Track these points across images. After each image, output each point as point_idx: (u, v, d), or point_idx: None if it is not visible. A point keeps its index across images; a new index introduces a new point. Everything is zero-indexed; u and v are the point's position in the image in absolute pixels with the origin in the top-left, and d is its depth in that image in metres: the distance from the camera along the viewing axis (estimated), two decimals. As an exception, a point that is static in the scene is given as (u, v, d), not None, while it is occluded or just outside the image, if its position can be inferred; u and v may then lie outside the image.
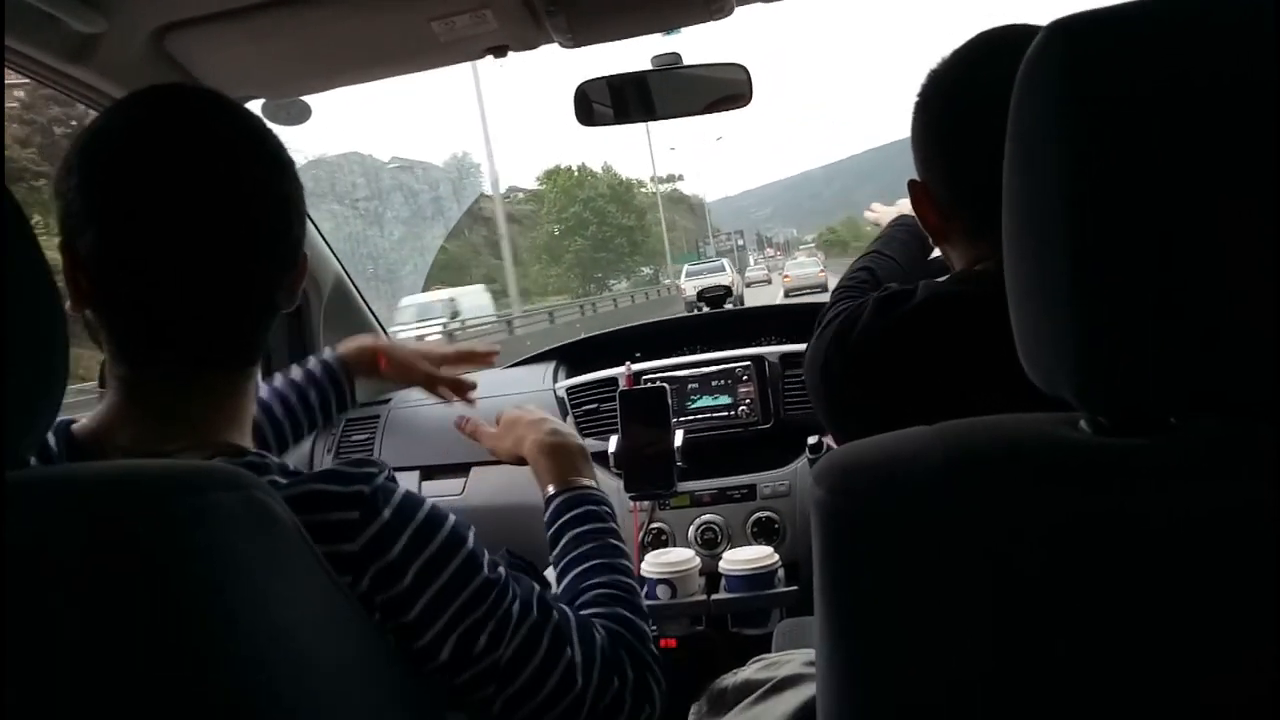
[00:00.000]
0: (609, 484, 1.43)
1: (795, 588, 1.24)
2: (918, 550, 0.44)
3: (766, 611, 1.25)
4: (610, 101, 1.34)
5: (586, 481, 0.86)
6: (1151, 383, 0.41)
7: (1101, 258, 0.40)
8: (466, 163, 55.35)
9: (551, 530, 0.81)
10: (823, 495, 0.46)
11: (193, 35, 1.00)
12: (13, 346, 0.42)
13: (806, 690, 0.84)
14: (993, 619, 0.43)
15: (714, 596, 1.24)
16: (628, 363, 1.51)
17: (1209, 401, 0.42)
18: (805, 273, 29.76)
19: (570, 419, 1.55)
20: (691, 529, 1.41)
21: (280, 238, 0.64)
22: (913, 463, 0.45)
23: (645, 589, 1.26)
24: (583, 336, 1.82)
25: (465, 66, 1.20)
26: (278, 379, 1.02)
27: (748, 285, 32.53)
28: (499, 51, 1.13)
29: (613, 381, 1.54)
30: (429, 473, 1.55)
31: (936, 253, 1.11)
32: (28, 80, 0.97)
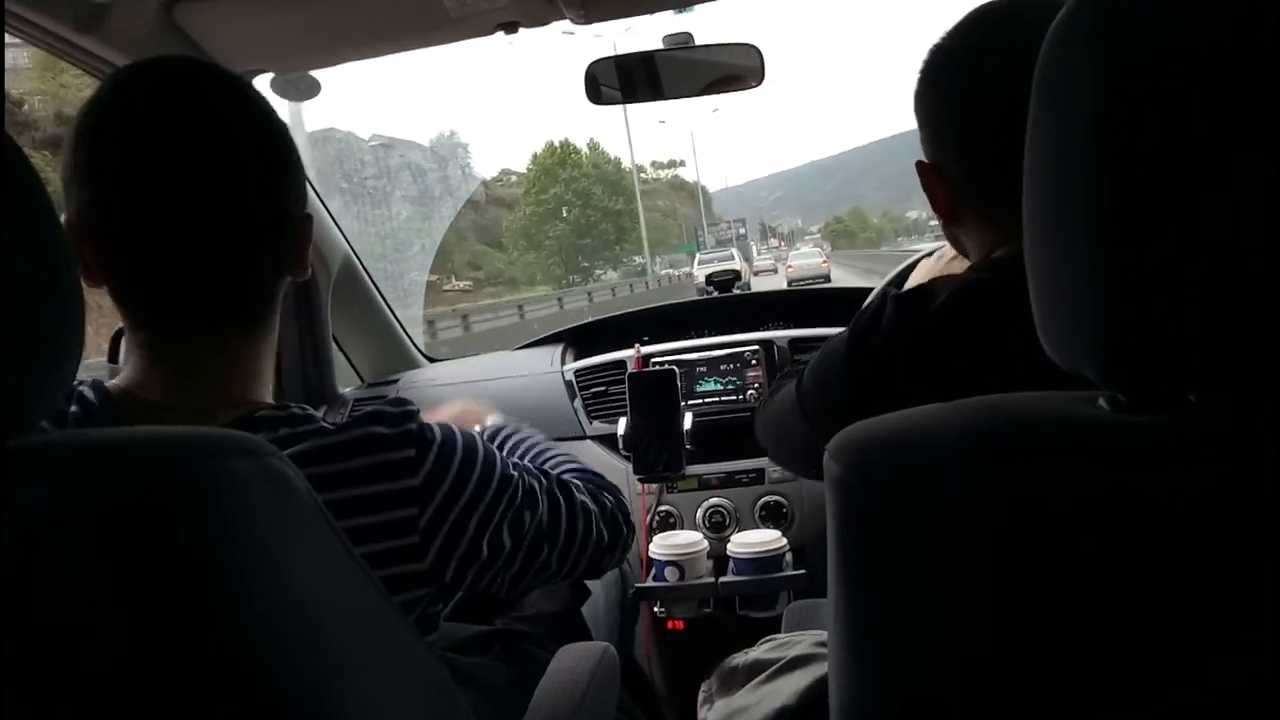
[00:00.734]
0: (617, 466, 1.44)
1: (803, 571, 1.24)
2: (933, 525, 0.43)
3: (774, 595, 1.25)
4: (618, 82, 1.33)
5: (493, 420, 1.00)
6: (1172, 359, 0.41)
7: (1124, 232, 0.40)
8: (455, 142, 53.34)
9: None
10: (838, 470, 0.46)
11: (201, 8, 1.00)
12: (27, 311, 0.42)
13: (817, 669, 0.84)
14: (1008, 595, 0.42)
15: (722, 579, 1.24)
16: (637, 345, 1.51)
17: (1230, 379, 0.41)
18: (808, 263, 29.79)
19: (579, 401, 1.55)
20: (699, 512, 1.41)
21: (277, 201, 0.65)
22: (928, 438, 0.45)
23: (653, 571, 1.26)
24: (591, 320, 1.82)
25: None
26: None
27: (755, 274, 32.58)
28: (510, 28, 1.12)
29: (621, 364, 1.54)
30: None
31: None
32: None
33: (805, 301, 1.76)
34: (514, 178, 66.39)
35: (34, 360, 0.43)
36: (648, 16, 1.18)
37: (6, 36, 0.99)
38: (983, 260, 0.71)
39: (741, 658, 0.96)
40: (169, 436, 0.47)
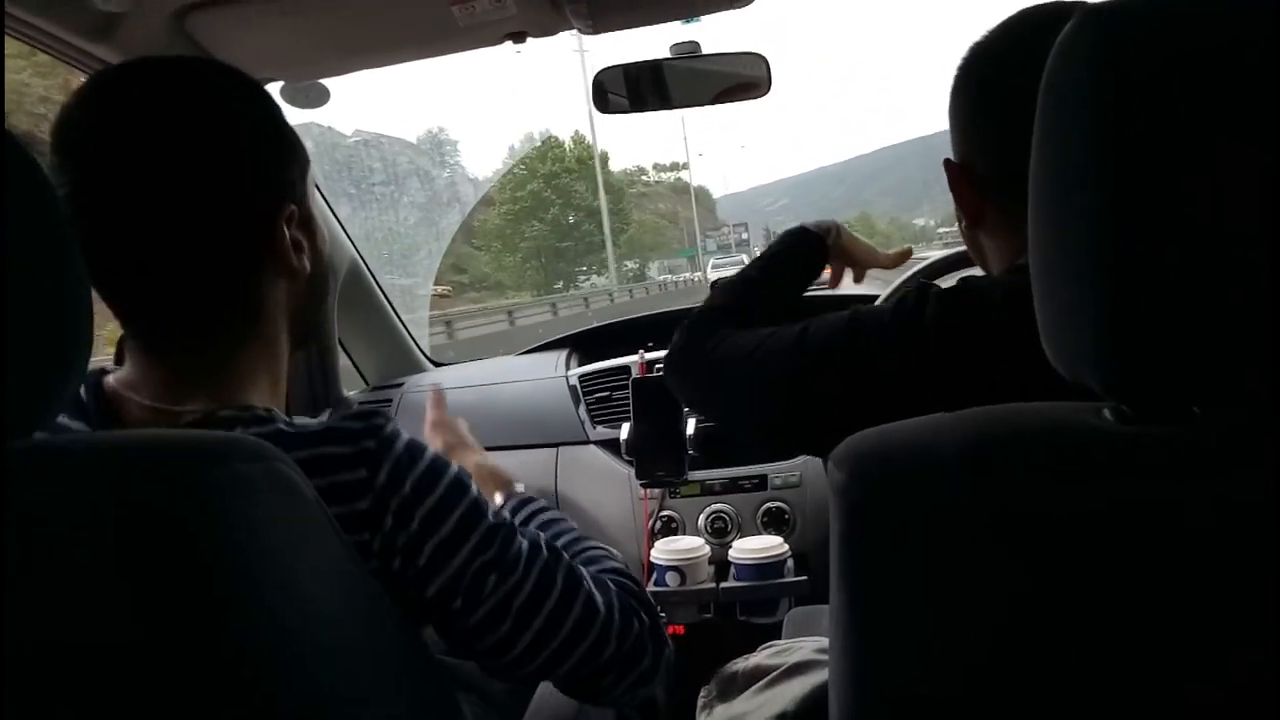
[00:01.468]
0: (620, 471, 1.44)
1: (804, 578, 1.24)
2: (936, 535, 0.44)
3: (775, 601, 1.25)
4: (626, 90, 1.34)
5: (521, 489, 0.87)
6: (1176, 370, 0.41)
7: (1127, 243, 0.40)
8: (443, 139, 49.20)
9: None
10: (842, 479, 0.46)
11: (214, 16, 1.00)
12: (30, 313, 0.42)
13: (818, 676, 0.85)
14: (1009, 606, 0.43)
15: (723, 585, 1.24)
16: (641, 351, 1.51)
17: (1234, 391, 0.41)
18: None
19: (583, 406, 1.56)
20: (701, 517, 1.42)
21: (246, 197, 0.62)
22: (933, 448, 0.45)
23: (654, 575, 1.27)
24: (595, 325, 1.82)
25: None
26: None
27: None
28: (518, 37, 1.13)
29: (625, 370, 1.54)
30: None
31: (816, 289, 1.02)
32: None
33: (809, 308, 1.76)
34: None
35: (37, 362, 0.43)
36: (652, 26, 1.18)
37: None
38: (1011, 268, 0.70)
39: (742, 663, 0.96)
40: (174, 440, 0.47)
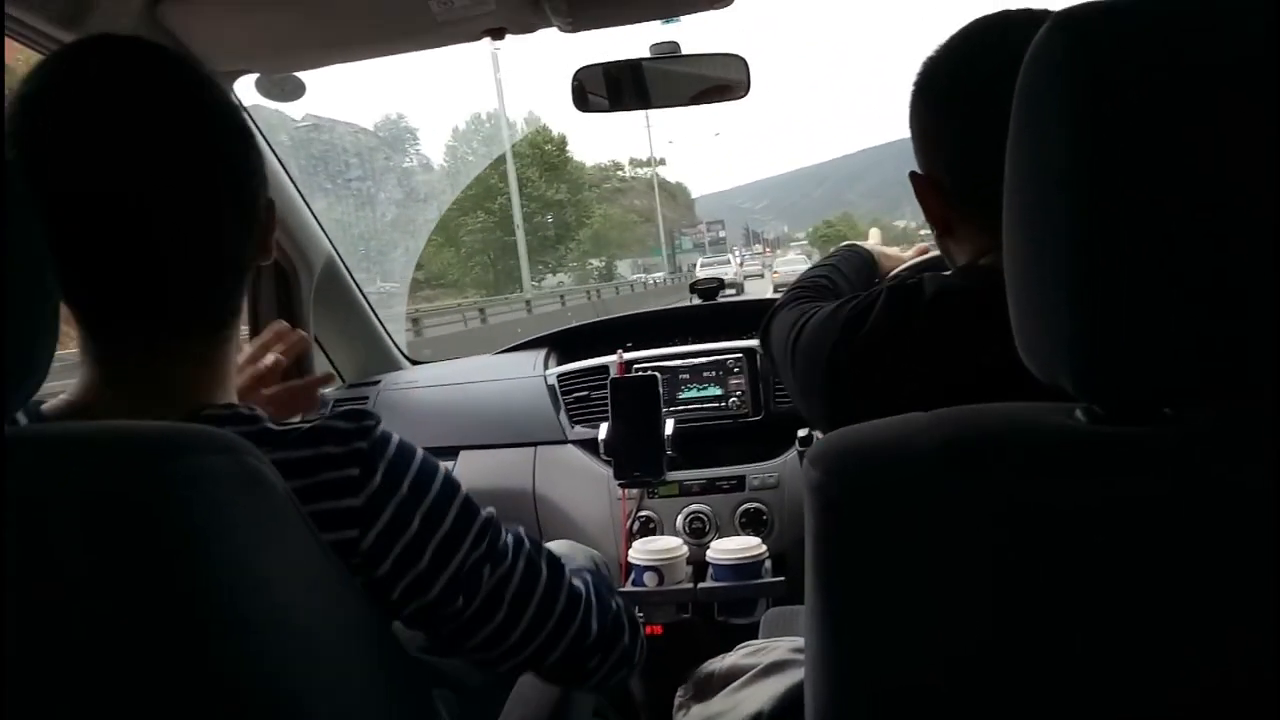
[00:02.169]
0: (598, 471, 1.44)
1: (782, 578, 1.24)
2: (910, 534, 0.44)
3: (753, 601, 1.25)
4: (605, 90, 1.34)
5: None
6: (1148, 372, 0.42)
7: (1100, 245, 0.41)
8: (402, 126, 45.56)
9: None
10: (817, 477, 0.46)
11: (186, 7, 0.99)
12: (7, 299, 0.42)
13: (793, 675, 0.85)
14: (982, 604, 0.43)
15: (701, 585, 1.24)
16: (619, 351, 1.51)
17: (1205, 390, 0.42)
18: (794, 269, 30.00)
19: (561, 405, 1.55)
20: (680, 518, 1.42)
21: (235, 190, 0.60)
22: (907, 447, 0.45)
23: (632, 575, 1.26)
24: (575, 324, 1.82)
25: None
26: None
27: (745, 277, 32.71)
28: (497, 34, 1.12)
29: (604, 369, 1.54)
30: None
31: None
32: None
33: None
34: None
35: (7, 355, 0.43)
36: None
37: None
38: (969, 265, 0.73)
39: (718, 663, 0.96)
40: (145, 431, 0.47)
